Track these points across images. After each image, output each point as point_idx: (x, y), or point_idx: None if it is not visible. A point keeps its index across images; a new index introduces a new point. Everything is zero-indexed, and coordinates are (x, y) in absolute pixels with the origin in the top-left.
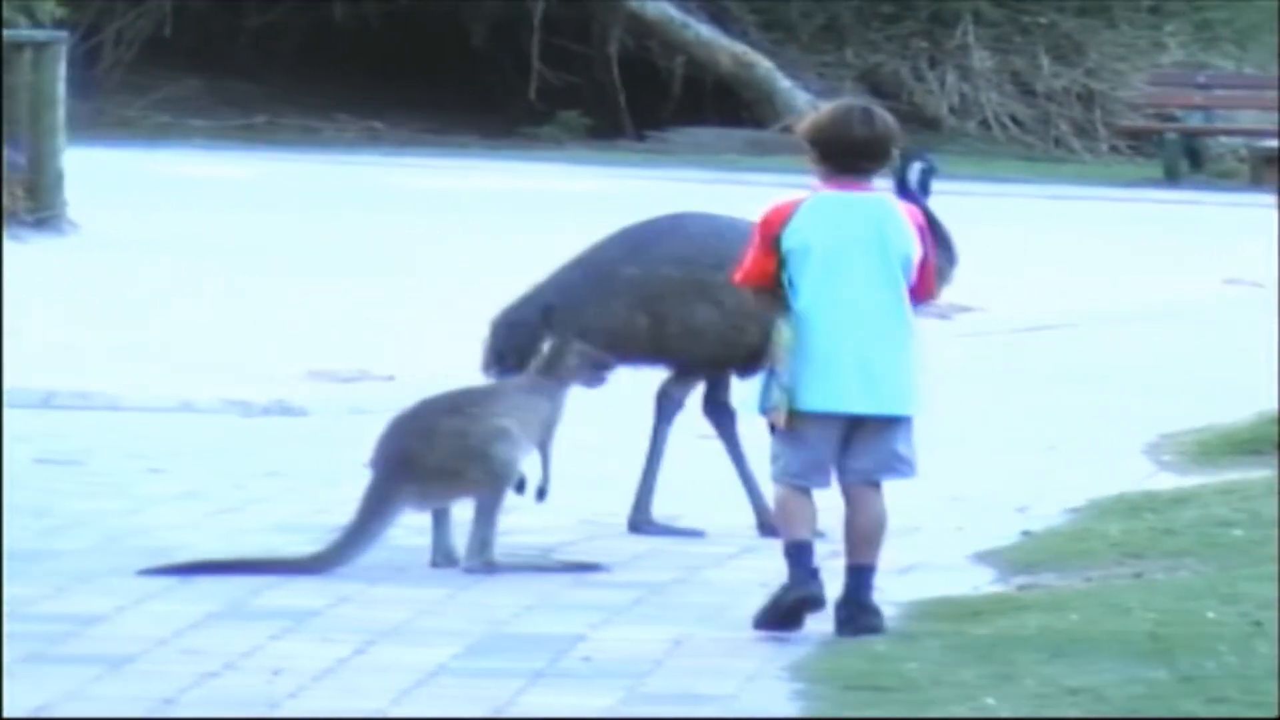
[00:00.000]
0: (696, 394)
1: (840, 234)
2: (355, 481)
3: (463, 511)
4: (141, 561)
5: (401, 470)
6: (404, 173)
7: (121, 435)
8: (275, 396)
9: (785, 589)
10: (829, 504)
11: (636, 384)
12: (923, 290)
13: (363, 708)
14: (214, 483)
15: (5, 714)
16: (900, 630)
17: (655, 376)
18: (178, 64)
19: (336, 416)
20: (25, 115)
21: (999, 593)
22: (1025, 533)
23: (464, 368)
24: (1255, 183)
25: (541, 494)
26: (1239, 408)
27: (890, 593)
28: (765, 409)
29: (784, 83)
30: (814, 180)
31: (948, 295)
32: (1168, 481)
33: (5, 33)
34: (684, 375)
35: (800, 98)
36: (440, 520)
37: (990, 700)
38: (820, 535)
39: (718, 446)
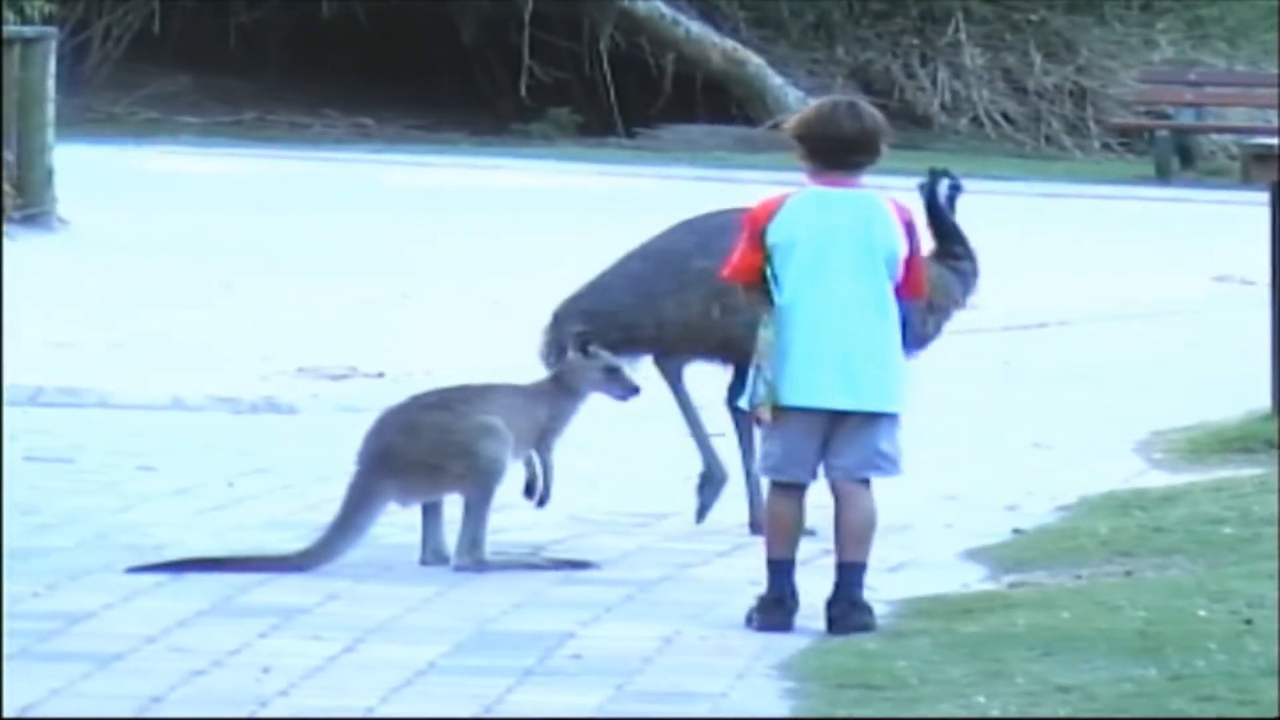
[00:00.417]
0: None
1: (825, 229)
2: (345, 479)
3: (454, 509)
4: (131, 559)
5: (382, 465)
6: (393, 170)
7: (111, 432)
8: (265, 394)
9: (762, 599)
10: (820, 501)
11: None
12: (909, 288)
13: (351, 706)
14: (204, 480)
15: None
16: (890, 628)
17: (649, 375)
18: (166, 60)
19: (326, 414)
20: (14, 112)
21: (989, 590)
22: (1016, 530)
23: (454, 364)
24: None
25: (541, 501)
26: (1229, 406)
27: (880, 590)
28: (752, 404)
29: (775, 80)
30: (803, 177)
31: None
32: (1158, 479)
33: None
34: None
35: (791, 95)
36: (430, 517)
37: (980, 698)
38: (811, 533)
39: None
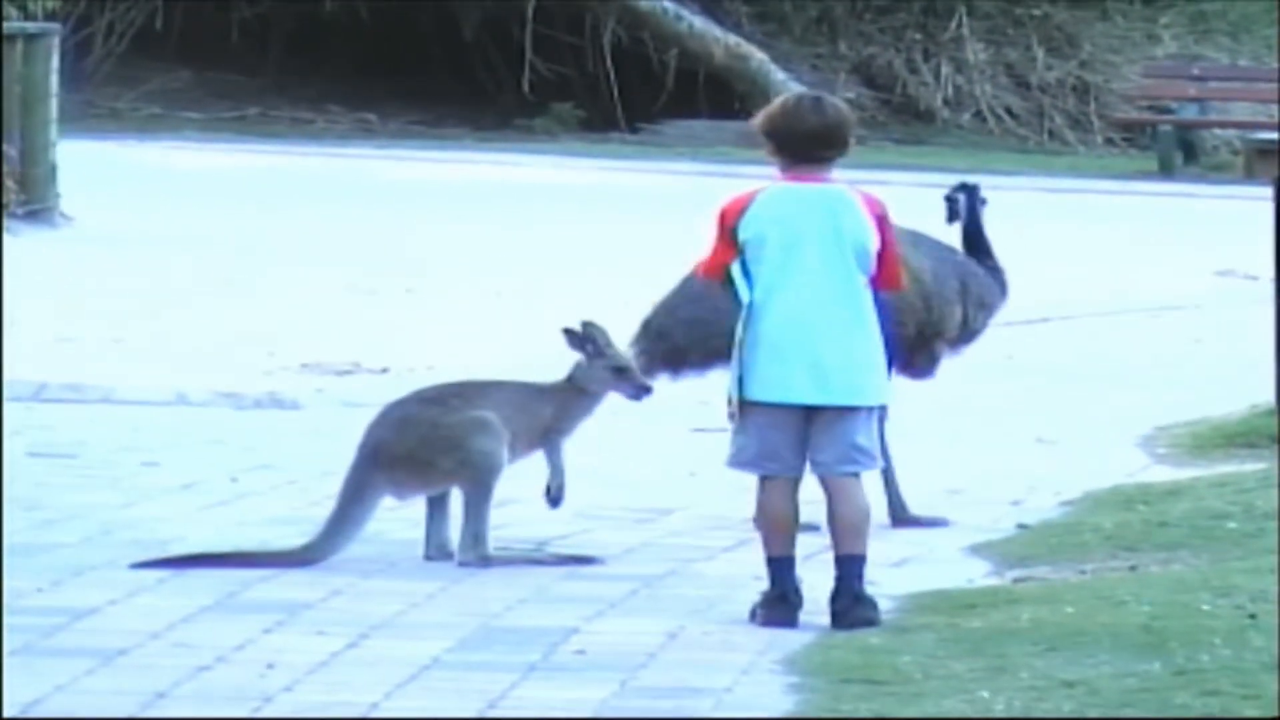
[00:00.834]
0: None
1: (794, 224)
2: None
3: (460, 504)
4: (135, 554)
5: (373, 458)
6: (396, 165)
7: (114, 428)
8: (268, 389)
9: (765, 595)
10: (816, 496)
11: None
12: (885, 280)
13: (355, 701)
14: (207, 475)
15: None
16: (894, 623)
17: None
18: (169, 56)
19: (330, 409)
20: (17, 108)
21: (993, 585)
22: (1020, 525)
23: (458, 359)
24: (1249, 175)
25: (555, 501)
26: (1232, 400)
27: (885, 585)
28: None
29: (778, 75)
30: (774, 172)
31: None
32: (1162, 474)
33: None
34: None
35: (794, 90)
36: (435, 513)
37: (984, 693)
38: (814, 528)
39: (710, 439)
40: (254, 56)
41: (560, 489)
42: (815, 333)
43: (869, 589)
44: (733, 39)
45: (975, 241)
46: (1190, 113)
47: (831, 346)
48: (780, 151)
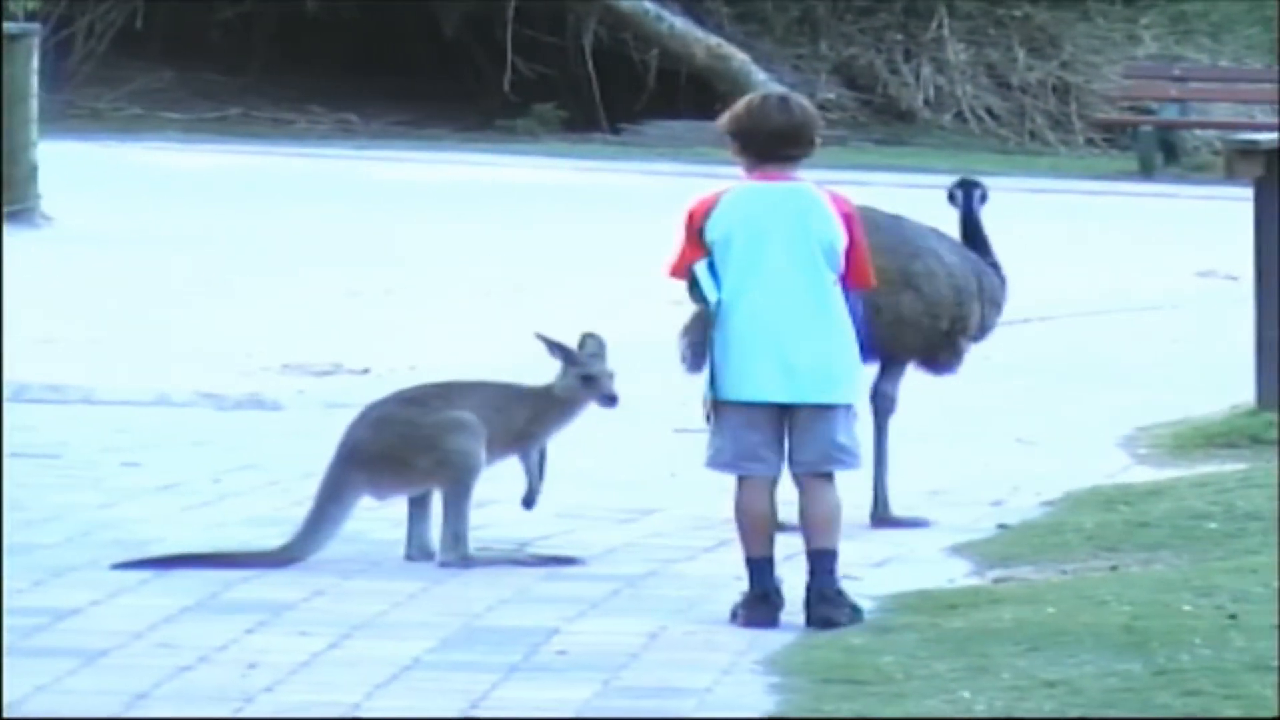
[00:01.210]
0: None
1: (761, 223)
2: None
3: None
4: (116, 555)
5: (350, 458)
6: (378, 166)
7: (96, 428)
8: (250, 390)
9: (746, 595)
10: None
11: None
12: (854, 278)
13: (337, 701)
14: (189, 476)
15: None
16: (876, 623)
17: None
18: (150, 56)
19: (311, 410)
20: None
21: (974, 585)
22: (1001, 526)
23: (439, 360)
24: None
25: (527, 503)
26: (1213, 401)
27: (866, 585)
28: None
29: (759, 76)
30: (740, 172)
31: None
32: (1143, 474)
33: None
34: (891, 369)
35: (775, 90)
36: (417, 513)
37: (965, 693)
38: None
39: (692, 439)
40: (236, 56)
41: (534, 493)
42: (784, 331)
43: (848, 586)
44: (714, 39)
45: (973, 237)
46: (1171, 113)
47: (801, 344)
48: (746, 151)
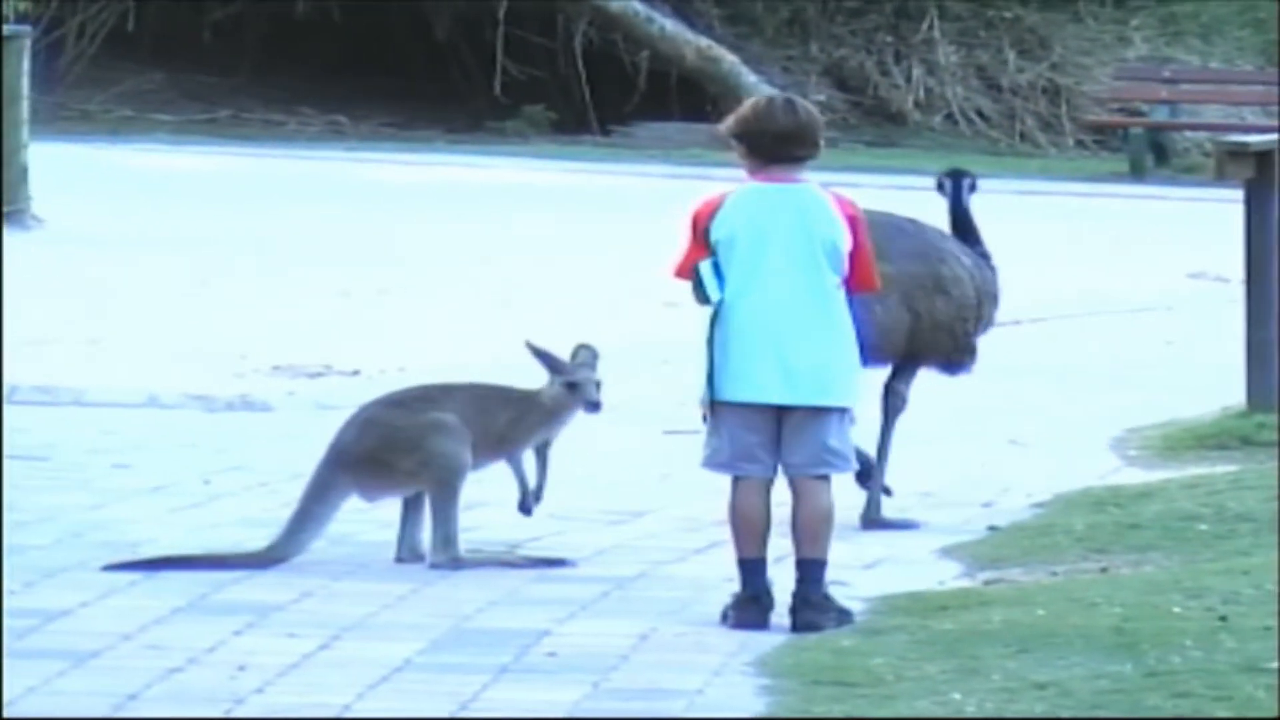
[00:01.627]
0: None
1: (765, 224)
2: None
3: None
4: (106, 556)
5: (335, 459)
6: (368, 167)
7: (86, 430)
8: (240, 391)
9: (737, 597)
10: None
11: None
12: (858, 281)
13: (327, 703)
14: (179, 478)
15: None
16: (866, 625)
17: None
18: (141, 57)
19: (301, 412)
20: None
21: (965, 587)
22: (991, 527)
23: (429, 361)
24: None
25: (522, 508)
26: (1204, 402)
27: (856, 587)
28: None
29: (749, 78)
30: (744, 175)
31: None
32: (1133, 476)
33: None
34: (909, 370)
35: (765, 92)
36: (408, 515)
37: (956, 695)
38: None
39: (682, 441)
40: (226, 58)
41: (525, 498)
42: (784, 333)
43: (836, 591)
44: (704, 41)
45: (963, 227)
46: (1161, 115)
47: (801, 346)
48: (752, 153)
